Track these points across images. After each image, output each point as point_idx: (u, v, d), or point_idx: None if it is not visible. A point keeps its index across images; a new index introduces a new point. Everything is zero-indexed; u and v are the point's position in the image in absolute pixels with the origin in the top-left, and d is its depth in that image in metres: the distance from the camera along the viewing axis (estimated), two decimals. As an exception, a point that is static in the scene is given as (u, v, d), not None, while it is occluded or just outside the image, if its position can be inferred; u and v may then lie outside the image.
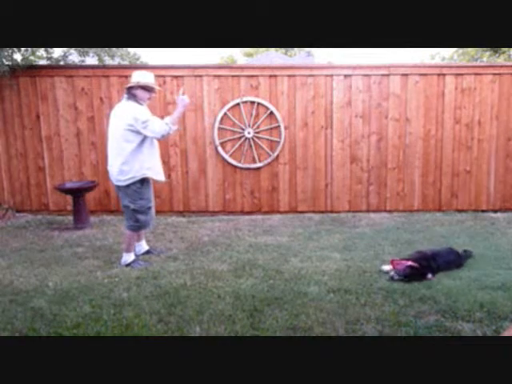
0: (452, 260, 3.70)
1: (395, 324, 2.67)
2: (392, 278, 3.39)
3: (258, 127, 6.02)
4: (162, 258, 4.14)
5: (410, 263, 3.49)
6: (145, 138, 3.78)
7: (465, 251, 3.98)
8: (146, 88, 3.81)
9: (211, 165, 6.10)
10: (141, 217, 3.88)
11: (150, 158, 3.85)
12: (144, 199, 3.87)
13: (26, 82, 5.96)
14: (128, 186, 3.81)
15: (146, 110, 3.81)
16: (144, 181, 3.86)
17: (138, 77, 3.79)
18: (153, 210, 4.05)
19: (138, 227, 3.93)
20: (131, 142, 3.74)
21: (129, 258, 3.94)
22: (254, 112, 5.98)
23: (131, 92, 3.80)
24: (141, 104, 3.82)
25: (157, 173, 3.97)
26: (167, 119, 3.79)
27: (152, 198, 4.04)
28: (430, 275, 3.45)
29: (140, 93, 3.80)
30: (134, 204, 3.84)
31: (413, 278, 3.36)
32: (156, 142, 3.98)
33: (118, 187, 3.89)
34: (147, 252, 4.27)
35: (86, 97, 6.00)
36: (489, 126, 6.01)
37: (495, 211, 6.08)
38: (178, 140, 6.04)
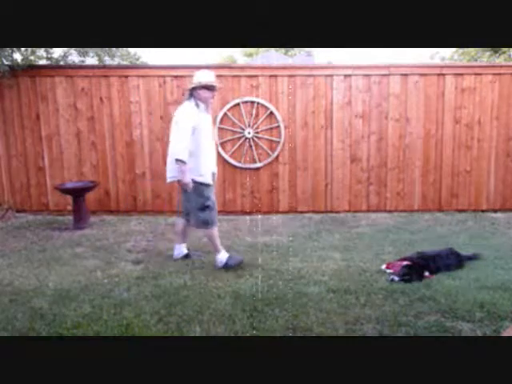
0: (452, 262, 3.69)
1: (395, 324, 2.67)
2: (392, 281, 3.38)
3: (257, 127, 6.02)
4: (162, 258, 4.14)
5: (405, 263, 3.50)
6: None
7: (474, 254, 3.97)
8: (209, 87, 3.77)
9: (211, 165, 6.09)
10: (201, 214, 3.81)
11: (193, 160, 3.72)
12: (203, 197, 3.79)
13: (25, 82, 5.96)
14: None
15: (192, 120, 3.69)
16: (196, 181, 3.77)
17: (200, 77, 3.75)
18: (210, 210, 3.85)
19: (201, 225, 3.85)
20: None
21: (222, 256, 3.87)
22: (254, 112, 5.98)
23: (192, 93, 3.78)
24: (198, 106, 3.77)
25: (199, 175, 3.79)
26: (182, 164, 3.65)
27: (210, 197, 3.86)
28: (427, 273, 3.45)
29: (203, 93, 3.76)
30: (193, 201, 3.81)
31: (411, 277, 3.36)
32: (207, 143, 3.87)
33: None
34: (186, 256, 4.12)
35: (86, 97, 6.00)
36: (489, 125, 6.01)
37: (495, 211, 6.08)
38: (178, 140, 6.03)
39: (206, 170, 3.84)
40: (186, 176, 3.70)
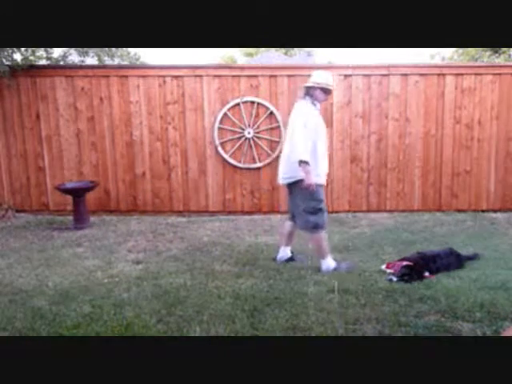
0: (452, 262, 3.68)
1: (395, 324, 2.67)
2: (391, 281, 3.38)
3: (258, 127, 6.02)
4: (161, 258, 4.14)
5: (404, 263, 3.50)
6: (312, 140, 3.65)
7: (474, 254, 3.97)
8: (325, 90, 3.76)
9: (211, 165, 6.10)
10: (311, 218, 3.70)
11: (312, 161, 3.61)
12: (315, 200, 3.69)
13: (25, 82, 5.96)
14: (296, 184, 3.71)
15: (312, 119, 3.67)
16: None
17: (319, 78, 3.74)
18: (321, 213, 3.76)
19: (311, 228, 3.74)
20: None
21: (329, 263, 3.75)
22: (254, 112, 5.98)
23: (309, 91, 3.75)
24: (315, 105, 3.75)
25: (315, 175, 3.65)
26: (306, 165, 3.54)
27: (323, 199, 3.78)
28: (427, 273, 3.45)
29: (318, 93, 3.74)
30: (303, 204, 3.71)
31: (410, 277, 3.36)
32: (322, 143, 3.78)
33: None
34: (290, 259, 4.01)
35: (86, 97, 6.00)
36: (489, 125, 6.01)
37: (495, 211, 6.07)
38: (178, 140, 6.04)
39: (321, 170, 3.76)
40: (311, 176, 3.58)
